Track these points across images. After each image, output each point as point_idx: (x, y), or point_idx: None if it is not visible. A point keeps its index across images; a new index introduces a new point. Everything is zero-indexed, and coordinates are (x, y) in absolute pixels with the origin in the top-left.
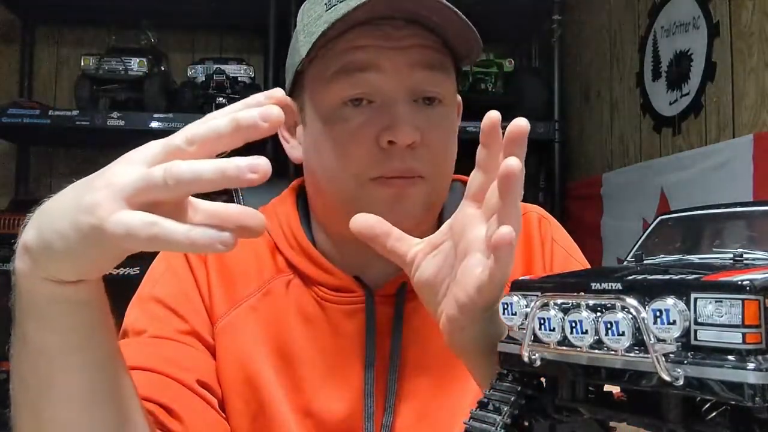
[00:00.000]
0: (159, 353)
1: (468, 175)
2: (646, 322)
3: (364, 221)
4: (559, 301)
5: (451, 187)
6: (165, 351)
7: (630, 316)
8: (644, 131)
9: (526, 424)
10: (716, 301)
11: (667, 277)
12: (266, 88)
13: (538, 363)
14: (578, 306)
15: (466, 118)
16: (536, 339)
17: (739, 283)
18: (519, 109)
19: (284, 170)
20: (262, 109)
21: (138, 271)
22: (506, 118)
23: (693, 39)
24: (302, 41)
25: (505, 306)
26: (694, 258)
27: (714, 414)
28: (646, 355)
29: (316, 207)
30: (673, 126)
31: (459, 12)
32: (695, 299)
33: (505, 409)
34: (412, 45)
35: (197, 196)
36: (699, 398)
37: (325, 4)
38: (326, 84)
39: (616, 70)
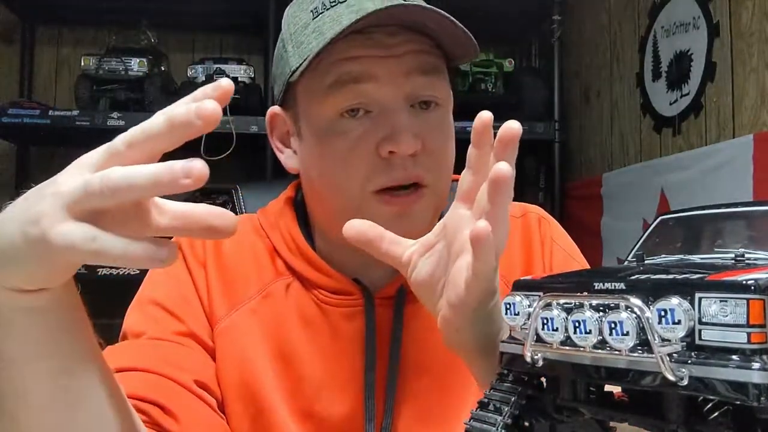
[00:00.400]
0: (156, 354)
1: None
2: (650, 321)
3: (356, 228)
4: (562, 301)
5: (450, 188)
6: (162, 352)
7: (634, 315)
8: (644, 131)
9: (527, 424)
10: (721, 301)
11: (671, 276)
12: (266, 88)
13: (541, 363)
14: (581, 306)
15: (466, 118)
16: (539, 339)
17: (744, 282)
18: (519, 109)
19: (284, 171)
20: (196, 105)
21: (138, 271)
22: (506, 118)
23: (693, 39)
24: (291, 51)
25: (508, 306)
26: (696, 258)
27: (716, 414)
28: (650, 355)
29: (315, 213)
30: (673, 126)
31: (455, 20)
32: (700, 299)
33: (506, 409)
34: (407, 51)
35: (197, 195)
36: (701, 398)
37: (312, 11)
38: (321, 97)
39: (616, 70)
